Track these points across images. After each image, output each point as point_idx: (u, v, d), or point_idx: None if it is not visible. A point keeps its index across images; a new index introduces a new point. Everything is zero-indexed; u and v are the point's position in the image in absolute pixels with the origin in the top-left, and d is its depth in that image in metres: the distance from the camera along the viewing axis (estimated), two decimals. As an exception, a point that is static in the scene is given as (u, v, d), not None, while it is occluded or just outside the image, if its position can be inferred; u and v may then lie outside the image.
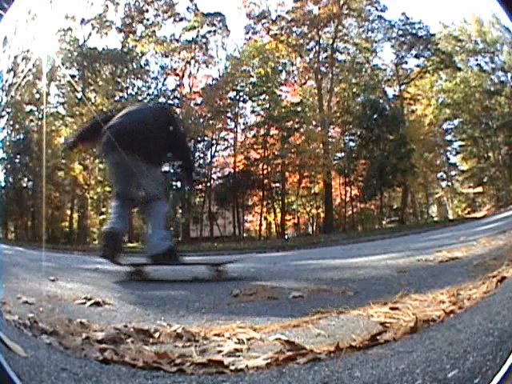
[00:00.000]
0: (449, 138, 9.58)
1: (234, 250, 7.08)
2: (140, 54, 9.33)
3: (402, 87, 9.55)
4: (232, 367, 1.21)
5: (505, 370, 0.91)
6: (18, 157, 8.27)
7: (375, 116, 9.07)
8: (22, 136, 8.31)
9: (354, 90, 9.49)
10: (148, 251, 3.20)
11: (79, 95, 8.82)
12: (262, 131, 9.45)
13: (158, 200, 3.32)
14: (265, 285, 2.42)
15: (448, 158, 9.69)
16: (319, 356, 1.24)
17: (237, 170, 9.38)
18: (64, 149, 3.95)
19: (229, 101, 9.50)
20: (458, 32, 9.01)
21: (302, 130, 9.36)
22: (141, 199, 3.40)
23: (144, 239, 3.25)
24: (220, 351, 1.35)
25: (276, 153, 9.26)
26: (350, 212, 9.38)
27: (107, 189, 8.83)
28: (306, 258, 4.62)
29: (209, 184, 9.52)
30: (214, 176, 9.65)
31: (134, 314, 1.91)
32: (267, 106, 9.38)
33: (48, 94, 8.38)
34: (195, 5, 9.40)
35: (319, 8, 9.26)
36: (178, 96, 9.59)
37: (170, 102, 9.35)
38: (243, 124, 9.65)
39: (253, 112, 9.56)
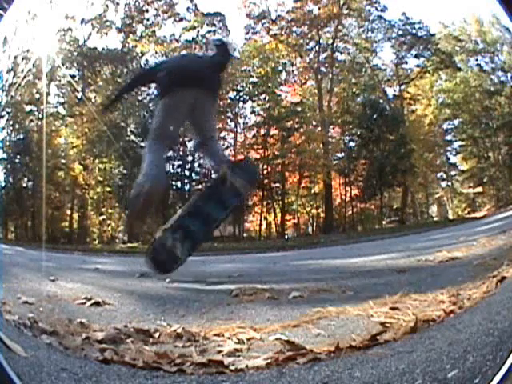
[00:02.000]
0: (449, 138, 9.58)
1: (233, 250, 7.08)
2: (140, 54, 9.33)
3: (402, 87, 9.55)
4: (232, 367, 1.21)
5: (505, 370, 0.92)
6: (18, 157, 8.27)
7: (375, 116, 9.06)
8: (22, 136, 8.30)
9: (354, 90, 9.48)
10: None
11: (79, 95, 8.82)
12: (262, 131, 9.44)
13: (216, 140, 3.50)
14: (265, 285, 2.42)
15: (448, 158, 9.68)
16: (319, 356, 1.24)
17: (237, 170, 9.36)
18: (105, 107, 4.07)
19: (229, 101, 9.49)
20: (458, 32, 9.00)
21: (302, 130, 9.35)
22: (198, 138, 3.51)
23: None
24: (220, 351, 1.35)
25: (276, 153, 9.25)
26: (350, 212, 9.38)
27: (107, 189, 8.84)
28: (306, 258, 4.63)
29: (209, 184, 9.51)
30: (214, 176, 9.64)
31: (134, 314, 1.91)
32: (267, 106, 9.37)
33: (48, 93, 8.38)
34: (195, 5, 9.40)
35: (319, 8, 9.25)
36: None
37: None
38: (243, 124, 9.65)
39: (253, 112, 9.56)
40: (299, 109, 9.38)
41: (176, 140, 3.55)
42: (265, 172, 9.31)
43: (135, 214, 2.98)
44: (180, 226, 3.08)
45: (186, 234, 3.06)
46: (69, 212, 8.80)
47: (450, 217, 9.40)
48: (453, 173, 9.64)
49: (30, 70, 7.17)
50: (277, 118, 9.19)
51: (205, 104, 3.36)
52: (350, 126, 9.50)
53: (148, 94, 9.36)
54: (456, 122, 9.36)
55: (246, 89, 9.48)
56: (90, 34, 8.82)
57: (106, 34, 8.94)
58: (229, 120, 9.64)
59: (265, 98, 9.42)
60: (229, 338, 1.47)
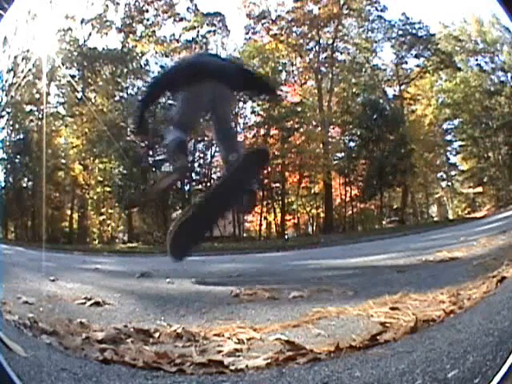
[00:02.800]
0: (449, 138, 9.57)
1: (233, 250, 7.08)
2: (140, 54, 9.32)
3: (402, 87, 9.54)
4: (232, 367, 1.21)
5: (505, 370, 0.92)
6: (18, 157, 8.26)
7: (375, 116, 9.06)
8: (22, 136, 8.29)
9: (354, 90, 9.47)
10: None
11: (79, 95, 8.81)
12: (262, 131, 9.44)
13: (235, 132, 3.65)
14: (265, 285, 2.42)
15: (448, 158, 9.67)
16: (319, 356, 1.24)
17: (237, 169, 9.34)
18: (138, 132, 4.15)
19: (229, 101, 9.47)
20: (458, 32, 9.00)
21: (302, 130, 9.35)
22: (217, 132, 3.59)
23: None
24: (220, 351, 1.35)
25: (276, 153, 9.24)
26: (350, 212, 9.37)
27: (107, 189, 8.83)
28: (306, 258, 4.62)
29: (209, 184, 9.51)
30: (214, 176, 9.64)
31: (134, 314, 1.91)
32: (267, 106, 9.36)
33: (48, 93, 8.37)
34: (195, 5, 9.39)
35: (319, 8, 9.25)
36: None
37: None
38: (243, 124, 9.64)
39: (253, 112, 9.55)
40: (299, 109, 9.37)
41: (195, 129, 3.73)
42: (265, 172, 9.31)
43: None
44: None
45: None
46: (69, 212, 8.79)
47: (450, 217, 9.39)
48: (453, 173, 9.63)
49: (29, 70, 7.17)
50: (277, 118, 9.18)
51: (224, 98, 3.46)
52: (350, 126, 9.48)
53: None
54: (456, 122, 9.35)
55: (246, 89, 9.47)
56: (90, 34, 8.82)
57: (106, 34, 8.93)
58: (229, 120, 9.62)
59: (265, 98, 9.41)
60: (229, 338, 1.47)
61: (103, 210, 8.72)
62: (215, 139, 3.81)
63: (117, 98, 9.11)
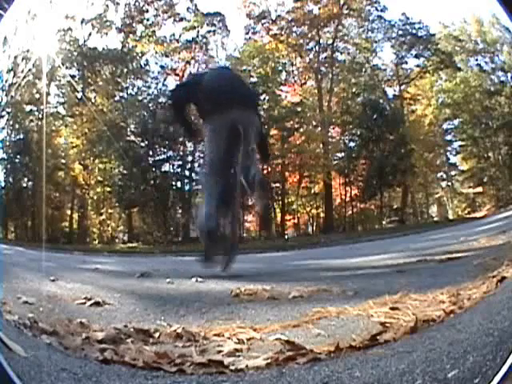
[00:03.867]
0: (449, 137, 9.58)
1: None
2: (140, 54, 9.33)
3: (402, 87, 9.55)
4: (232, 367, 1.21)
5: (505, 370, 0.92)
6: (18, 157, 8.27)
7: (375, 116, 9.06)
8: (22, 136, 8.30)
9: (354, 90, 9.48)
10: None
11: (79, 95, 8.82)
12: (262, 131, 9.43)
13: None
14: (265, 285, 2.42)
15: (448, 158, 9.68)
16: (319, 356, 1.24)
17: (237, 169, 9.35)
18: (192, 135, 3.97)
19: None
20: (458, 32, 9.00)
21: (302, 130, 9.35)
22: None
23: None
24: (220, 351, 1.35)
25: (276, 153, 9.24)
26: (350, 212, 9.38)
27: (107, 189, 8.84)
28: (306, 258, 4.63)
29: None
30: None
31: (134, 314, 1.91)
32: (267, 106, 9.37)
33: (48, 93, 8.38)
34: (195, 5, 9.40)
35: (319, 8, 9.26)
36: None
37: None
38: (243, 124, 9.63)
39: (253, 112, 9.54)
40: (299, 109, 9.38)
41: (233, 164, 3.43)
42: (265, 172, 9.31)
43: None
44: None
45: None
46: (69, 212, 8.79)
47: (450, 217, 9.39)
48: (453, 173, 9.64)
49: (29, 70, 7.16)
50: (277, 118, 9.19)
51: (250, 123, 3.32)
52: (350, 125, 9.49)
53: (148, 94, 9.37)
54: (456, 122, 9.35)
55: (246, 89, 9.46)
56: (89, 34, 8.82)
57: (106, 34, 8.94)
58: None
59: (265, 98, 9.42)
60: (229, 338, 1.47)
61: (103, 210, 8.72)
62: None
63: (117, 98, 9.11)
